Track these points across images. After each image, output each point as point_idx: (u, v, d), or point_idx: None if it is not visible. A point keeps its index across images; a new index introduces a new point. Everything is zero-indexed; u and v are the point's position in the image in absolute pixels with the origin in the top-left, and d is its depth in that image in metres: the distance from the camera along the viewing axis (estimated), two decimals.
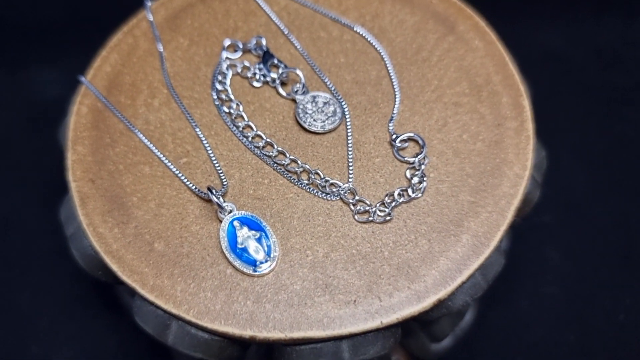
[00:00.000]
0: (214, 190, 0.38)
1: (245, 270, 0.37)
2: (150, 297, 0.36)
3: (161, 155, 0.40)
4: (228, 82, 0.43)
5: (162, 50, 0.45)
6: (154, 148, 0.40)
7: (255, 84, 0.43)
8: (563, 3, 0.68)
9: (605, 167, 0.57)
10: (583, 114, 0.59)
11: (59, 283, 0.51)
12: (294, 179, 0.39)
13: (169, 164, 0.40)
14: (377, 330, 0.36)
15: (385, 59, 0.44)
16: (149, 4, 0.47)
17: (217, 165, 0.40)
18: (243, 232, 0.37)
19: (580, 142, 0.58)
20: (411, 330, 0.45)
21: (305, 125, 0.41)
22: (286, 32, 0.45)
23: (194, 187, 0.39)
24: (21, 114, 0.59)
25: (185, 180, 0.39)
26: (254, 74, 0.43)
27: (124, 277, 0.37)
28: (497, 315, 0.50)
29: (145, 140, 0.41)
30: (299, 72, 0.42)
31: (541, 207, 0.53)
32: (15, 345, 0.49)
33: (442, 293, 0.37)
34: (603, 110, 0.59)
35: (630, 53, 0.64)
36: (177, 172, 0.40)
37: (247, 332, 0.35)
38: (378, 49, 0.45)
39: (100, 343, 0.48)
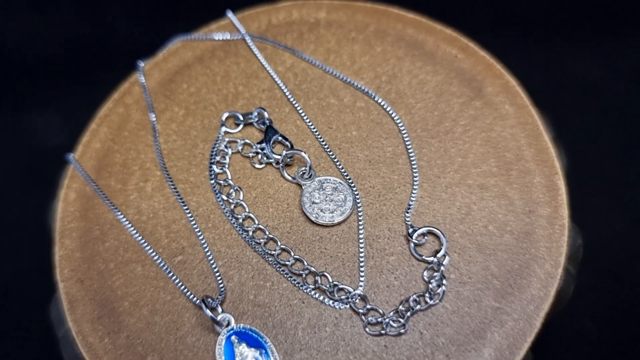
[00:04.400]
0: (209, 301, 0.35)
1: None
2: None
3: (154, 254, 0.37)
4: (227, 162, 0.40)
5: (155, 121, 0.41)
6: (146, 245, 0.37)
7: (257, 165, 0.39)
8: (600, 26, 0.61)
9: None
10: (623, 155, 0.54)
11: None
12: (299, 283, 0.36)
13: (162, 264, 0.37)
14: None
15: (403, 132, 0.40)
16: (142, 64, 0.43)
17: (214, 266, 0.37)
18: (241, 350, 0.34)
19: (620, 186, 0.53)
20: None
21: (312, 218, 0.38)
22: (292, 100, 0.41)
23: (188, 293, 0.36)
24: (19, 165, 0.56)
25: (180, 284, 0.36)
26: (256, 152, 0.40)
27: None
28: None
29: (137, 236, 0.38)
30: (304, 154, 0.38)
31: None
32: None
33: None
34: None
35: None
36: (170, 274, 0.37)
37: None
38: (395, 119, 0.40)
39: None
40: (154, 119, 0.41)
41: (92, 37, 0.61)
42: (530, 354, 0.39)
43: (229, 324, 0.35)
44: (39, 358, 0.46)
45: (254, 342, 0.35)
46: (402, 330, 0.35)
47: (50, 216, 0.41)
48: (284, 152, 0.39)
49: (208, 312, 0.35)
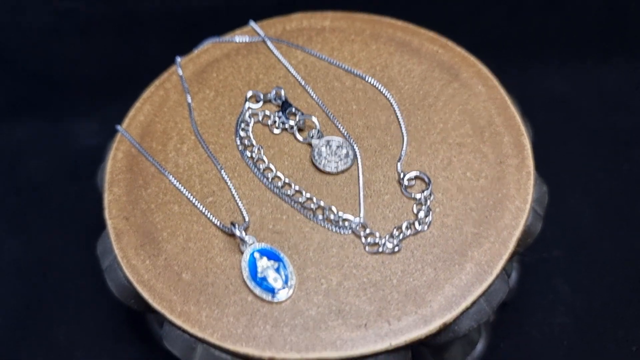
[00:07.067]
0: (236, 225, 0.43)
1: (264, 297, 0.42)
2: (178, 322, 0.42)
3: (189, 195, 0.46)
4: (250, 129, 0.49)
5: (190, 101, 0.51)
6: (182, 189, 0.46)
7: (275, 130, 0.49)
8: (569, 49, 0.73)
9: (612, 204, 0.61)
10: (589, 155, 0.64)
11: (94, 317, 0.57)
12: (310, 215, 0.45)
13: (196, 202, 0.46)
14: (387, 352, 0.41)
15: (394, 106, 0.50)
16: (179, 59, 0.54)
17: (239, 203, 0.45)
18: (263, 263, 0.42)
19: (587, 180, 0.63)
20: (423, 359, 0.49)
21: (320, 167, 0.47)
22: (303, 83, 0.52)
23: (218, 223, 0.44)
24: (62, 162, 0.67)
25: (211, 216, 0.45)
26: (274, 121, 0.49)
27: (155, 305, 0.42)
28: (509, 345, 0.53)
29: (175, 182, 0.47)
30: (314, 119, 0.48)
31: (550, 242, 0.58)
32: None
33: (448, 317, 0.41)
34: (609, 151, 0.64)
35: (636, 95, 0.69)
36: (203, 209, 0.45)
37: (266, 354, 0.40)
38: (387, 96, 0.51)
39: None
40: (190, 99, 0.51)
41: (128, 58, 0.73)
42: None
43: (252, 244, 0.43)
44: (86, 288, 0.54)
45: (273, 257, 0.43)
46: (396, 249, 0.43)
47: (99, 177, 0.50)
48: (297, 118, 0.49)
49: (237, 231, 0.43)
